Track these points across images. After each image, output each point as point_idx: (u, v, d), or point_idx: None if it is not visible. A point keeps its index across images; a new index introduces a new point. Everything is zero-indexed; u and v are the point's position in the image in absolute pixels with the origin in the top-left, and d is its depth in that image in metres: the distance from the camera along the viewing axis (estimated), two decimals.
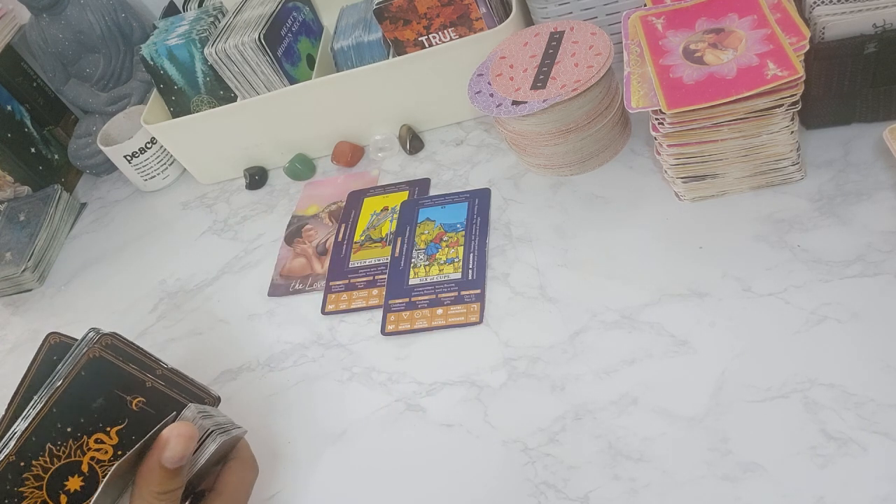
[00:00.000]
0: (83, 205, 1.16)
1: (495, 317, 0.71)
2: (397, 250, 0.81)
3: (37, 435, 0.43)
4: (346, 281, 0.81)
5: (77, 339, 0.48)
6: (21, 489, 0.43)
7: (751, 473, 0.53)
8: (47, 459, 0.44)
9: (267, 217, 0.97)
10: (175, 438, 0.42)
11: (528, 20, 0.90)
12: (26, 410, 0.44)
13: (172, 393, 0.48)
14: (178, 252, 0.98)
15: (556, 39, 0.80)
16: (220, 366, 0.80)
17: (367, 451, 0.66)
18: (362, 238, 0.86)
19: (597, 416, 0.60)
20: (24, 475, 0.43)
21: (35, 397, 0.45)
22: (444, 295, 0.74)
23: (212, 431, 0.45)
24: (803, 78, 0.60)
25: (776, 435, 0.54)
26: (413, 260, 0.79)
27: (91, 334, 0.46)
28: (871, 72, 0.65)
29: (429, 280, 0.76)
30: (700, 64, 0.65)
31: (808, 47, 0.62)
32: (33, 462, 0.43)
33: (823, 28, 0.64)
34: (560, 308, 0.69)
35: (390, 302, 0.76)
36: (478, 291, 0.73)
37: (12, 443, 0.43)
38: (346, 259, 0.84)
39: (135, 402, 0.46)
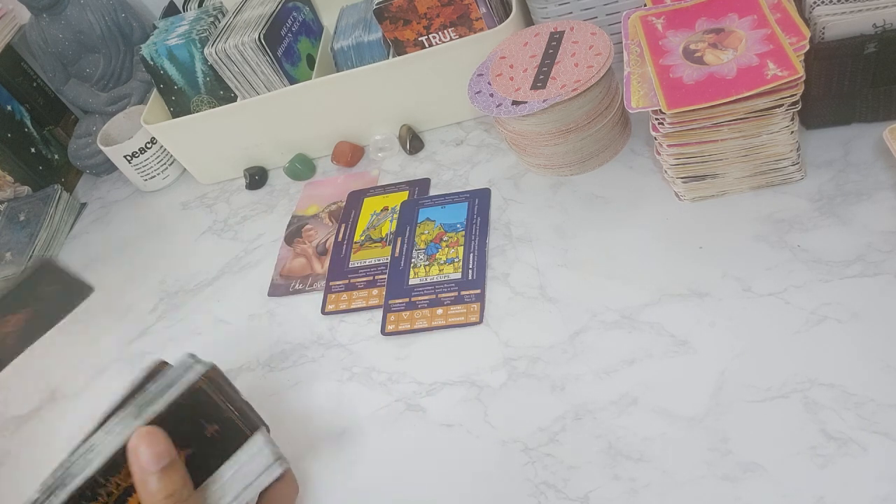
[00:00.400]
0: (83, 205, 1.16)
1: (495, 317, 0.71)
2: (397, 250, 0.81)
3: (124, 454, 0.43)
4: (346, 281, 0.81)
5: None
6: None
7: (751, 473, 0.53)
8: (122, 478, 0.44)
9: (267, 217, 0.97)
10: (142, 439, 0.42)
11: (528, 20, 0.90)
12: (108, 425, 0.44)
13: (241, 424, 0.48)
14: (178, 252, 0.98)
15: (556, 39, 0.80)
16: (219, 366, 0.79)
17: (367, 451, 0.66)
18: (362, 238, 0.86)
19: (597, 416, 0.60)
20: (99, 491, 0.44)
21: (121, 413, 0.45)
22: (444, 295, 0.74)
23: (281, 457, 0.46)
24: (803, 78, 0.60)
25: (776, 435, 0.54)
26: (413, 260, 0.79)
27: (191, 362, 0.47)
28: (871, 72, 0.65)
29: (429, 280, 0.76)
30: (700, 64, 0.65)
31: (808, 47, 0.62)
32: (110, 479, 0.44)
33: (823, 28, 0.64)
34: (560, 308, 0.69)
35: (390, 302, 0.76)
36: (478, 291, 0.73)
37: (98, 460, 0.43)
38: (346, 259, 0.84)
39: (210, 429, 0.47)
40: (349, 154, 0.97)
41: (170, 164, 1.10)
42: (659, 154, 0.70)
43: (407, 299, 0.76)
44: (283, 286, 0.85)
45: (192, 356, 0.47)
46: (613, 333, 0.65)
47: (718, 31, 0.67)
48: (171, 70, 0.99)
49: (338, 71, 0.95)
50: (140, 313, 0.91)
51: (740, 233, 0.68)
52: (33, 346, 0.95)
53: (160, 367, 0.47)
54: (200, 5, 1.08)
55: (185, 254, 0.97)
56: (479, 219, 0.81)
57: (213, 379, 0.47)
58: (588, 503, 0.55)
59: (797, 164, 0.67)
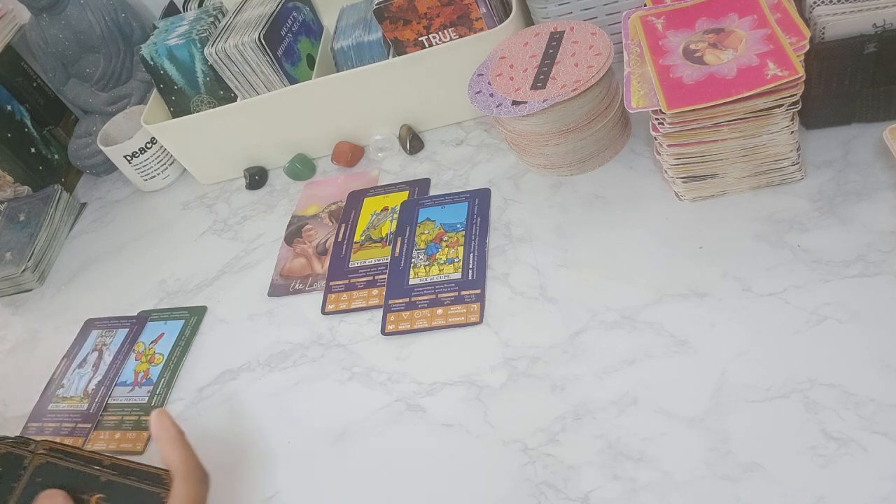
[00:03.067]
0: (83, 205, 1.16)
1: (495, 317, 0.71)
2: (397, 250, 0.81)
3: None
4: (346, 281, 0.81)
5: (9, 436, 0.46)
6: None
7: (751, 473, 0.53)
8: None
9: (267, 217, 0.97)
10: None
11: (528, 20, 0.90)
12: None
13: (130, 481, 0.46)
14: (178, 252, 0.98)
15: (556, 39, 0.80)
16: (220, 366, 0.80)
17: (366, 452, 0.66)
18: (362, 238, 0.86)
19: (597, 416, 0.60)
20: None
21: None
22: (444, 295, 0.74)
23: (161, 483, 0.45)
24: (803, 78, 0.60)
25: (776, 435, 0.54)
26: (413, 260, 0.79)
27: (22, 441, 0.45)
28: (871, 72, 0.65)
29: (429, 280, 0.76)
30: (700, 64, 0.65)
31: (808, 47, 0.62)
32: None
33: (823, 28, 0.64)
34: (560, 308, 0.69)
35: (390, 302, 0.76)
36: (478, 291, 0.73)
37: None
38: (346, 259, 0.84)
39: (94, 499, 0.45)
40: (349, 154, 0.97)
41: (170, 164, 1.10)
42: (659, 154, 0.70)
43: (407, 299, 0.76)
44: (283, 286, 0.85)
45: (21, 438, 0.45)
46: (613, 333, 0.65)
47: (718, 31, 0.67)
48: (171, 70, 0.99)
49: (338, 71, 0.95)
50: None
51: (740, 233, 0.68)
52: (35, 343, 0.95)
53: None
54: (200, 5, 1.08)
55: (185, 254, 0.97)
56: (479, 219, 0.81)
57: (57, 449, 0.45)
58: (588, 503, 0.55)
59: (797, 164, 0.67)
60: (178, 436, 0.53)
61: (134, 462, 0.50)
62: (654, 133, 0.67)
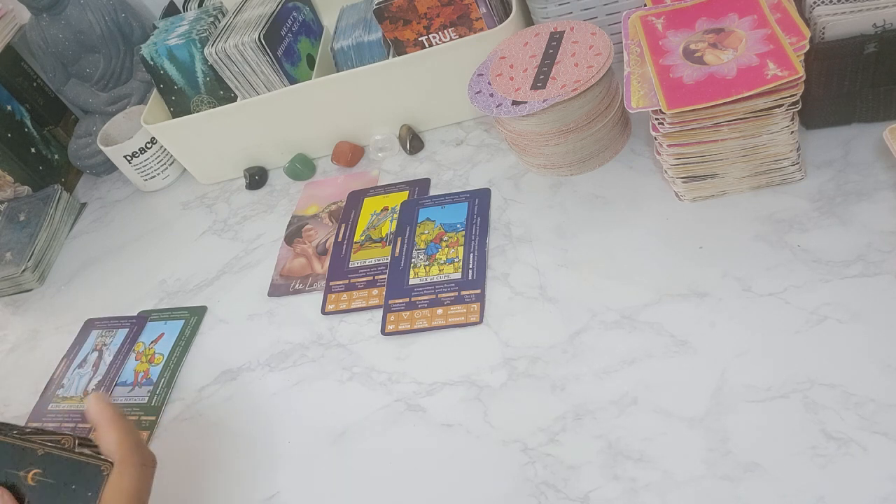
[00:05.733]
0: (83, 205, 1.16)
1: (495, 317, 0.71)
2: (397, 250, 0.81)
3: None
4: (346, 281, 0.81)
5: None
6: None
7: (751, 473, 0.53)
8: None
9: (267, 217, 0.97)
10: None
11: (528, 20, 0.90)
12: None
13: (69, 453, 0.43)
14: (178, 252, 0.98)
15: (556, 39, 0.80)
16: (220, 366, 0.80)
17: (366, 452, 0.66)
18: (362, 238, 0.86)
19: (597, 416, 0.60)
20: None
21: None
22: (444, 295, 0.74)
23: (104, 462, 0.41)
24: (803, 78, 0.60)
25: (776, 435, 0.54)
26: (413, 260, 0.79)
27: None
28: (871, 72, 0.65)
29: (429, 280, 0.76)
30: (700, 64, 0.65)
31: (808, 47, 0.62)
32: None
33: (823, 28, 0.64)
34: (560, 308, 0.69)
35: (390, 302, 0.76)
36: (478, 291, 0.73)
37: None
38: (346, 259, 0.84)
39: (30, 475, 0.42)
40: (349, 154, 0.97)
41: (170, 164, 1.10)
42: (659, 154, 0.70)
43: (407, 299, 0.76)
44: (283, 286, 0.85)
45: None
46: (613, 333, 0.65)
47: (718, 31, 0.67)
48: (171, 70, 0.99)
49: (338, 71, 0.95)
50: None
51: (740, 233, 0.68)
52: (35, 343, 0.95)
53: None
54: (200, 5, 1.08)
55: (185, 254, 0.97)
56: (479, 219, 0.81)
57: None
58: (588, 503, 0.55)
59: (797, 164, 0.67)
60: (114, 417, 0.47)
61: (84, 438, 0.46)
62: (654, 133, 0.67)
